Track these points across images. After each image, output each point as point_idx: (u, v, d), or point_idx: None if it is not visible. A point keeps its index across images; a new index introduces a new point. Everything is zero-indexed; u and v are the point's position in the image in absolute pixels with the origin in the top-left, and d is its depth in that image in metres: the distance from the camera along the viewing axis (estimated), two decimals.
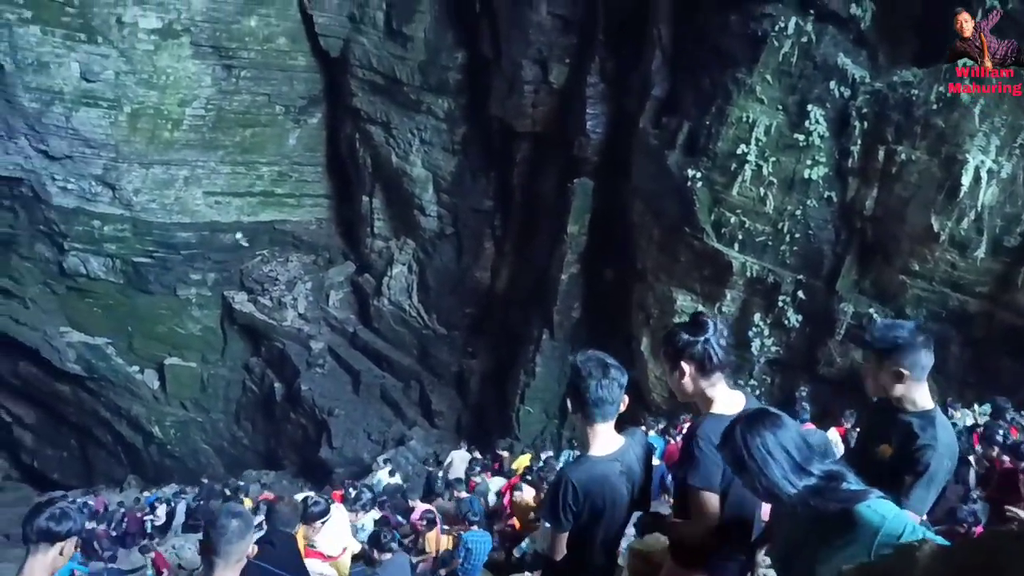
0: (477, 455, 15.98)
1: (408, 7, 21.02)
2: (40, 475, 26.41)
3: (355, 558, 8.12)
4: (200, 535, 3.71)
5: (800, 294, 14.36)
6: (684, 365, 3.26)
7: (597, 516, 3.28)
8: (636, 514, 3.62)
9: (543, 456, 14.27)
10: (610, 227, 17.77)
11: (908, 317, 12.86)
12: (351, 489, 12.71)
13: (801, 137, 13.94)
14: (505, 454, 17.04)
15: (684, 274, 15.76)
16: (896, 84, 13.17)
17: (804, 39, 13.97)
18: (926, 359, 3.32)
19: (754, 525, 3.35)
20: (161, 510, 17.87)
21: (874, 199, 13.42)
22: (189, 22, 20.84)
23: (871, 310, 13.42)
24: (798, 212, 14.18)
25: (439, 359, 22.34)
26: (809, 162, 13.93)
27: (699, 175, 14.93)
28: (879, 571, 2.10)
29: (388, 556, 7.50)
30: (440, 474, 15.02)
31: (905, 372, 3.31)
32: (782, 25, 14.04)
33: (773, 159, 14.24)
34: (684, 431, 5.82)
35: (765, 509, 3.29)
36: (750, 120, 14.36)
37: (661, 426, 13.73)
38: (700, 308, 15.16)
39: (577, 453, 12.38)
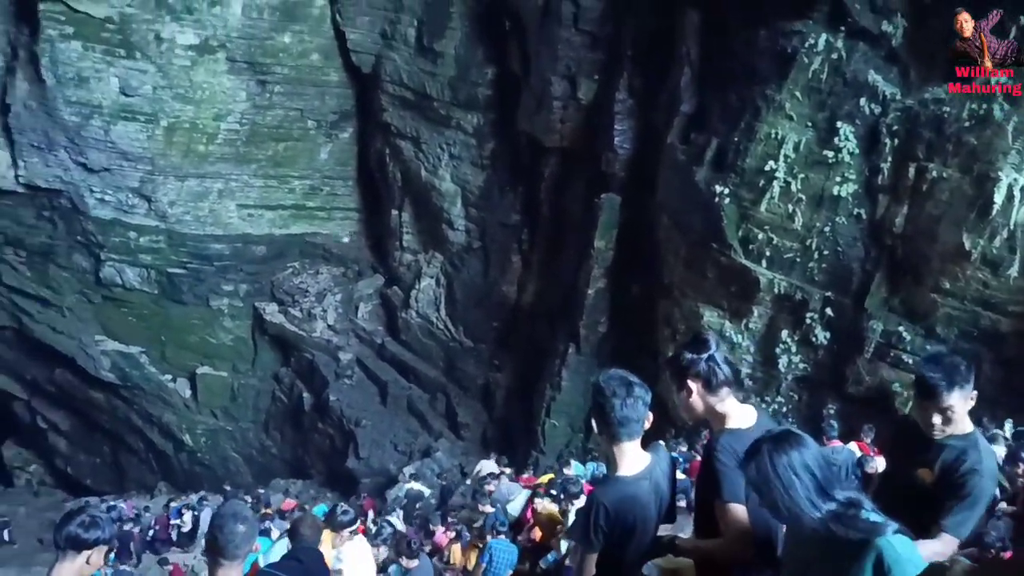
0: (506, 469, 15.88)
1: (439, 24, 21.29)
2: (74, 481, 26.90)
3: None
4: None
5: (828, 311, 14.23)
6: (690, 383, 3.33)
7: (627, 535, 3.31)
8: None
9: (564, 470, 14.17)
10: (637, 242, 17.76)
11: (939, 336, 12.73)
12: (372, 524, 12.65)
13: (830, 154, 13.86)
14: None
15: (711, 290, 15.69)
16: (927, 101, 13.06)
17: (834, 55, 13.91)
18: (968, 391, 3.36)
19: (778, 540, 3.37)
20: (187, 516, 18.14)
21: (904, 216, 13.29)
22: (225, 38, 21.30)
23: (900, 328, 13.27)
24: (827, 229, 14.07)
25: (465, 372, 22.44)
26: (838, 179, 13.84)
27: (727, 191, 14.90)
28: None
29: (415, 563, 7.58)
30: (468, 482, 15.01)
31: (952, 413, 3.37)
32: (812, 42, 14.00)
33: (802, 176, 14.17)
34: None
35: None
36: (779, 136, 14.32)
37: (683, 447, 13.59)
38: (727, 324, 15.12)
39: (602, 466, 12.37)
